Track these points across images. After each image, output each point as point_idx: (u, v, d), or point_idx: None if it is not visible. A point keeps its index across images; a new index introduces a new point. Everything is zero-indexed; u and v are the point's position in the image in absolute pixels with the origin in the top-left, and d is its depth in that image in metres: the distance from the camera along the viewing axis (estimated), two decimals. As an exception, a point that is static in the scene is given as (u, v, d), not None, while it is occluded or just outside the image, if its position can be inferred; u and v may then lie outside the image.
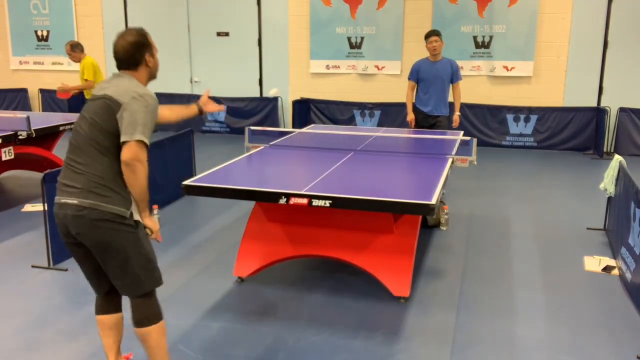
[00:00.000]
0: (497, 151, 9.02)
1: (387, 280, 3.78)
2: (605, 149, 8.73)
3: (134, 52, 2.61)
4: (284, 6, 9.92)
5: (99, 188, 2.47)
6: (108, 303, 2.80)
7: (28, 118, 5.74)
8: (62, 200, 2.51)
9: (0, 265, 4.46)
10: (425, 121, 6.22)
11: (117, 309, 2.83)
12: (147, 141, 2.47)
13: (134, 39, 2.62)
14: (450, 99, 6.24)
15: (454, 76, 6.15)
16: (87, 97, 7.60)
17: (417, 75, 6.20)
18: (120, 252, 2.52)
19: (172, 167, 6.09)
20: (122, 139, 2.44)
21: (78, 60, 7.74)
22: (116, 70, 2.68)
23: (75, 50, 7.70)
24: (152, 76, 2.74)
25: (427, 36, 6.08)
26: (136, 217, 2.57)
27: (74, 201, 2.47)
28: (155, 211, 5.33)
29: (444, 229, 5.28)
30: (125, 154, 2.44)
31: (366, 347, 3.27)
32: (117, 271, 2.56)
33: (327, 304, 3.80)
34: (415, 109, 6.29)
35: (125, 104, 2.46)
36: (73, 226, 2.50)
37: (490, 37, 9.09)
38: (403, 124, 9.47)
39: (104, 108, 2.49)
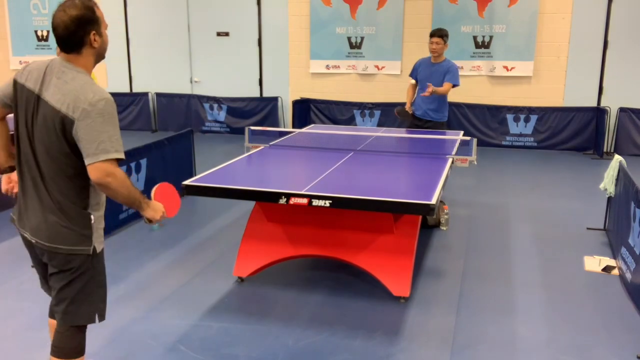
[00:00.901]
0: (497, 151, 9.02)
1: (387, 280, 3.78)
2: (605, 149, 8.73)
3: (75, 30, 2.18)
4: (284, 6, 9.92)
5: (61, 227, 2.27)
6: None
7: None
8: (22, 234, 2.37)
9: (0, 265, 4.46)
10: (415, 124, 5.99)
11: None
12: (113, 156, 2.17)
13: (77, 13, 2.18)
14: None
15: (445, 77, 5.81)
16: None
17: (415, 74, 6.09)
18: (75, 280, 2.35)
19: (172, 167, 6.09)
20: (87, 161, 2.16)
21: None
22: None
23: None
24: (100, 57, 2.34)
25: (430, 35, 5.90)
26: (99, 247, 2.40)
27: (32, 241, 2.33)
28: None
29: (444, 229, 5.27)
30: (93, 174, 2.16)
31: (366, 347, 3.27)
32: (61, 294, 2.38)
33: (327, 304, 3.80)
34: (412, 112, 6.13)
35: (78, 121, 2.14)
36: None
37: (490, 37, 9.08)
38: (403, 124, 9.48)
39: (53, 123, 2.18)
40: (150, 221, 2.43)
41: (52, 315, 2.69)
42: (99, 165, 2.15)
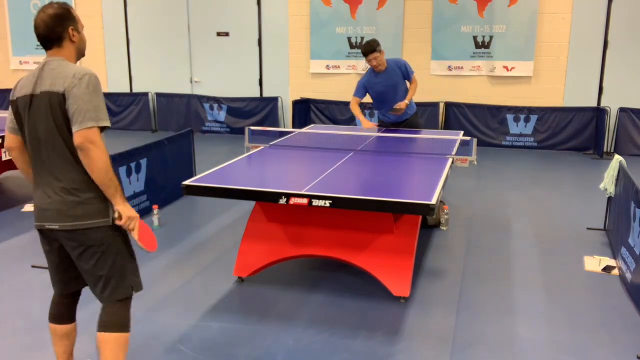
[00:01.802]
0: (497, 151, 9.02)
1: (387, 280, 3.78)
2: (605, 149, 8.73)
3: (54, 26, 2.42)
4: (284, 6, 9.92)
5: (78, 205, 2.41)
6: (65, 310, 2.74)
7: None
8: (47, 227, 2.47)
9: (0, 265, 4.46)
10: (395, 126, 5.88)
11: (73, 318, 2.78)
12: (98, 124, 2.34)
13: (55, 11, 2.43)
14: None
15: (408, 74, 5.64)
16: None
17: (364, 92, 5.74)
18: (103, 254, 2.49)
19: (172, 167, 6.09)
20: (73, 129, 2.33)
21: None
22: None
23: None
24: (80, 53, 2.55)
25: (366, 54, 5.51)
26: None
27: (55, 226, 2.44)
28: (155, 211, 5.33)
29: (444, 229, 5.28)
30: (76, 139, 2.32)
31: (366, 347, 3.27)
32: (95, 273, 2.51)
33: (327, 304, 3.80)
34: (380, 121, 6.00)
35: (69, 96, 2.33)
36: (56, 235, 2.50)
37: (490, 37, 9.09)
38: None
39: (54, 106, 2.36)
40: (119, 218, 2.49)
41: (55, 320, 2.74)
42: (83, 131, 2.32)
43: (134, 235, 2.55)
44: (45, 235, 2.55)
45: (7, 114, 2.53)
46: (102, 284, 2.52)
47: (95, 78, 2.39)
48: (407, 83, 5.80)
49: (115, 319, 2.56)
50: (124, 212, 2.47)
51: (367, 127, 5.72)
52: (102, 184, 2.41)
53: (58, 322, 2.74)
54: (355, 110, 5.78)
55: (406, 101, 5.64)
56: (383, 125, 5.98)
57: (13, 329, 3.48)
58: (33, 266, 4.40)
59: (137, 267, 2.67)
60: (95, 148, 2.33)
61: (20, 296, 3.92)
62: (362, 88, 5.74)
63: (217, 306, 3.76)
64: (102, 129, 2.38)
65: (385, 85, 5.66)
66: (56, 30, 2.43)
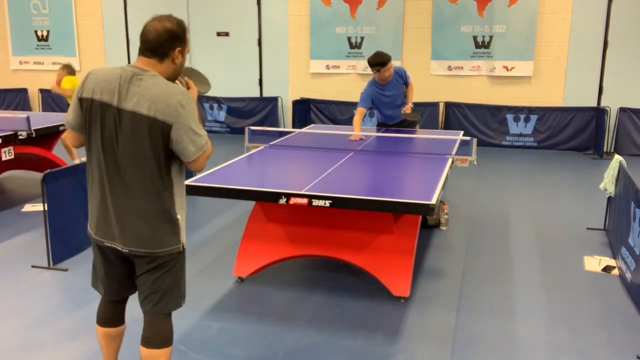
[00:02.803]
0: (497, 151, 9.02)
1: (387, 280, 3.78)
2: (605, 149, 8.73)
3: (165, 41, 2.31)
4: (284, 6, 9.92)
5: (152, 231, 2.35)
6: (115, 313, 2.70)
7: (28, 118, 5.74)
8: (108, 244, 2.43)
9: (0, 265, 4.46)
10: (395, 126, 5.91)
11: (122, 319, 2.75)
12: (206, 146, 2.37)
13: (172, 27, 2.33)
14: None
15: (407, 80, 5.72)
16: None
17: (369, 103, 5.66)
18: (168, 272, 2.46)
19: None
20: (189, 159, 2.31)
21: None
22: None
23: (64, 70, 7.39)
24: (175, 76, 2.45)
25: (375, 65, 5.42)
26: (185, 243, 2.50)
27: (124, 251, 2.39)
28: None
29: (444, 229, 5.28)
30: (196, 168, 2.38)
31: (366, 347, 3.27)
32: (154, 287, 2.46)
33: (327, 304, 3.80)
34: (379, 123, 6.04)
35: (175, 124, 2.25)
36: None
37: (490, 37, 9.09)
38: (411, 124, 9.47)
39: (147, 130, 2.24)
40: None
41: (104, 323, 2.68)
42: (201, 160, 2.35)
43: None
44: (105, 249, 2.47)
45: (72, 107, 2.40)
46: (159, 297, 2.48)
47: (192, 98, 2.37)
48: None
49: (162, 334, 2.53)
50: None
51: (353, 137, 5.41)
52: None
53: (109, 325, 2.69)
54: (357, 122, 5.56)
55: (409, 105, 5.72)
56: (383, 126, 6.01)
57: (13, 329, 3.48)
58: (33, 266, 4.40)
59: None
60: (206, 163, 2.41)
61: (20, 296, 3.92)
62: (369, 99, 5.65)
63: (217, 306, 3.76)
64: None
65: (391, 95, 5.68)
66: (165, 46, 2.32)
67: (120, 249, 2.39)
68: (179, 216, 2.43)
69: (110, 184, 2.33)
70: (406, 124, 5.87)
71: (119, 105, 2.26)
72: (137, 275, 2.49)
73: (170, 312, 2.55)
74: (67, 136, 2.55)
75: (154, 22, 2.33)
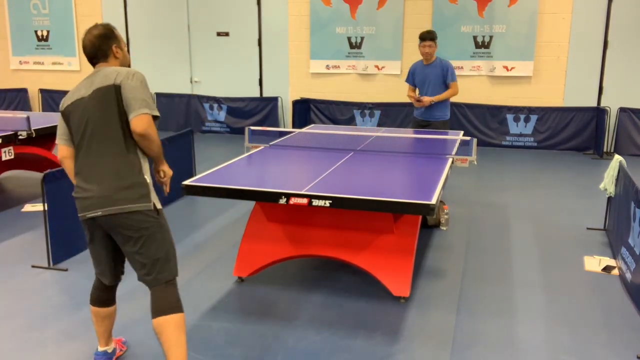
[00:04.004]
0: (497, 151, 9.02)
1: (387, 280, 3.78)
2: (605, 149, 8.73)
3: (100, 44, 2.71)
4: (284, 6, 9.92)
5: (122, 190, 2.60)
6: (107, 295, 2.92)
7: (28, 118, 5.74)
8: (89, 216, 2.64)
9: (0, 265, 4.46)
10: (421, 126, 6.00)
11: (113, 300, 2.96)
12: (153, 113, 2.60)
13: (99, 32, 2.71)
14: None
15: (447, 77, 5.86)
16: None
17: (412, 78, 6.09)
18: (148, 239, 2.65)
19: (172, 167, 6.05)
20: (131, 115, 2.56)
21: None
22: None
23: None
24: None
25: (421, 38, 5.84)
26: (158, 205, 2.71)
27: (98, 213, 2.60)
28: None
29: (444, 229, 5.28)
30: (138, 126, 2.55)
31: (366, 347, 3.27)
32: (141, 257, 2.66)
33: (327, 304, 3.80)
34: (413, 118, 6.18)
35: (123, 86, 2.58)
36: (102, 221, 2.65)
37: (490, 37, 9.09)
38: (403, 123, 9.49)
39: (105, 97, 2.59)
40: (164, 176, 2.92)
41: (97, 303, 2.90)
42: (142, 116, 2.56)
43: (167, 189, 2.98)
44: (89, 225, 2.70)
45: (58, 125, 2.77)
46: (149, 267, 2.66)
47: (144, 76, 2.68)
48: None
49: (169, 301, 2.66)
50: (168, 170, 2.93)
51: (417, 104, 5.93)
52: (157, 156, 2.77)
53: (101, 305, 2.91)
54: (409, 95, 6.12)
55: (432, 98, 5.83)
56: (414, 122, 6.12)
57: (13, 329, 3.48)
58: (33, 266, 4.40)
59: (175, 251, 2.81)
60: (153, 131, 2.61)
61: (20, 296, 3.92)
62: (410, 74, 6.12)
63: (217, 306, 3.76)
64: (154, 118, 2.65)
65: (425, 77, 5.95)
66: (102, 48, 2.72)
67: (96, 214, 2.60)
68: (146, 178, 2.67)
69: (86, 158, 2.64)
70: (433, 127, 5.92)
71: (85, 94, 2.65)
72: (124, 246, 2.67)
73: (167, 280, 2.70)
74: (61, 154, 2.74)
75: (86, 35, 2.73)
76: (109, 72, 2.64)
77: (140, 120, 2.56)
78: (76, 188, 2.68)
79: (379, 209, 3.30)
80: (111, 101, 2.59)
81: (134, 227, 2.61)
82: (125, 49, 2.82)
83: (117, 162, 2.60)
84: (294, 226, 3.97)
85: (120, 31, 10.65)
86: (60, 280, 4.18)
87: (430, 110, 5.93)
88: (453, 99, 5.90)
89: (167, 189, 2.98)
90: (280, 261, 4.05)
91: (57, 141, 2.76)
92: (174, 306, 2.67)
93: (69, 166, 2.75)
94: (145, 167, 2.71)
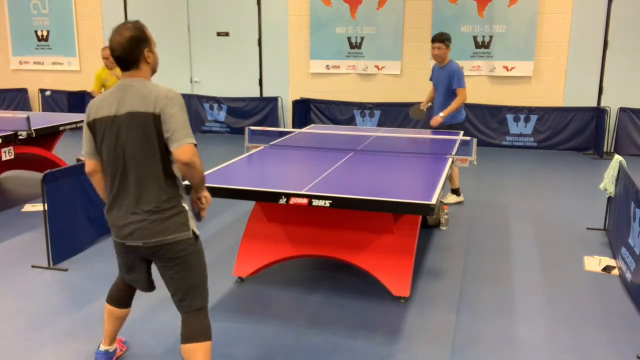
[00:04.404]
0: (497, 151, 9.02)
1: (387, 280, 3.78)
2: (605, 149, 8.73)
3: (131, 49, 2.47)
4: (284, 6, 9.92)
5: (163, 220, 2.52)
6: (125, 296, 2.92)
7: (28, 118, 5.74)
8: (128, 244, 2.58)
9: (0, 265, 4.46)
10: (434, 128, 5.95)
11: (130, 303, 2.96)
12: (194, 141, 2.48)
13: (130, 34, 2.47)
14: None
15: (452, 82, 5.75)
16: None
17: (432, 77, 6.08)
18: (186, 265, 2.60)
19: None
20: (174, 145, 2.43)
21: (112, 67, 7.08)
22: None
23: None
24: (153, 71, 2.65)
25: (431, 40, 5.83)
26: (197, 231, 2.65)
27: (139, 244, 2.54)
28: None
29: (444, 229, 5.27)
30: (183, 155, 2.43)
31: (366, 347, 3.27)
32: (176, 283, 2.63)
33: (327, 304, 3.80)
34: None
35: (163, 114, 2.42)
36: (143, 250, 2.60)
37: (490, 37, 9.08)
38: (403, 124, 9.49)
39: (143, 124, 2.44)
40: (205, 202, 2.75)
41: (114, 303, 2.91)
42: (187, 147, 2.43)
43: (204, 214, 2.81)
44: (126, 250, 2.64)
45: (84, 137, 2.61)
46: (184, 293, 2.62)
47: (181, 97, 2.51)
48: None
49: (200, 329, 2.64)
50: (209, 197, 2.75)
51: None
52: (200, 184, 2.62)
53: (117, 306, 2.91)
54: (428, 95, 6.18)
55: (441, 115, 5.74)
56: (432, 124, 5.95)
57: (13, 329, 3.48)
58: (33, 266, 4.40)
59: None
60: (198, 160, 2.49)
61: (20, 296, 3.92)
62: (432, 72, 6.09)
63: (217, 306, 3.76)
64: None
65: (437, 79, 5.94)
66: (133, 54, 2.48)
67: (134, 244, 2.56)
68: (184, 206, 2.60)
69: (123, 185, 2.53)
70: (445, 128, 5.86)
71: (115, 114, 2.47)
72: (163, 272, 2.64)
73: (202, 307, 2.67)
74: (89, 168, 2.68)
75: (115, 36, 2.49)
76: (146, 94, 2.45)
77: (185, 151, 2.43)
78: (111, 213, 2.59)
79: (379, 209, 3.30)
80: (151, 132, 2.44)
81: (174, 255, 2.57)
82: (156, 49, 2.61)
83: (156, 192, 2.50)
84: (294, 226, 3.97)
85: (120, 31, 10.75)
86: (60, 280, 4.18)
87: (440, 107, 5.87)
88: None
89: (204, 214, 2.82)
90: (280, 261, 4.05)
91: (84, 156, 2.63)
92: (204, 334, 2.64)
93: (98, 181, 2.65)
94: (183, 194, 2.64)
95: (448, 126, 5.88)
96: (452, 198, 6.04)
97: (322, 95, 9.96)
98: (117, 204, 2.56)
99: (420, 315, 3.66)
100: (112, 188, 2.56)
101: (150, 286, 2.84)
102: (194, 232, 2.63)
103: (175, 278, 2.61)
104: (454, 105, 5.76)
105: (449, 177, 5.87)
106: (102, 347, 3.02)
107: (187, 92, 10.61)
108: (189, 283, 2.62)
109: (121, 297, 2.91)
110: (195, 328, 2.64)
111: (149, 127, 2.43)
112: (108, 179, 2.57)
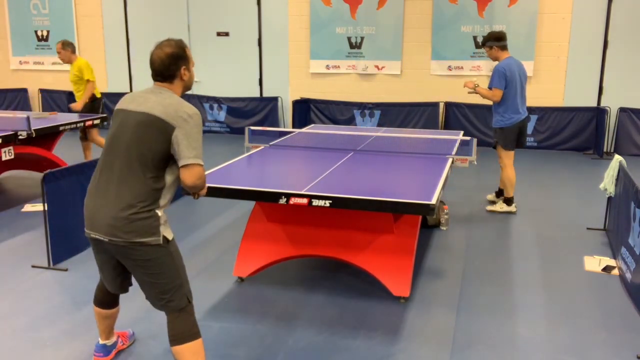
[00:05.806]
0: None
1: (387, 280, 3.78)
2: (605, 149, 8.73)
3: (169, 65, 2.59)
4: (284, 6, 9.92)
5: (134, 221, 2.49)
6: (109, 297, 2.93)
7: (28, 118, 5.74)
8: (92, 236, 2.59)
9: (0, 265, 4.46)
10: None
11: (116, 303, 2.99)
12: (202, 163, 2.53)
13: (172, 50, 2.60)
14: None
15: (491, 84, 5.67)
16: (97, 95, 7.41)
17: None
18: (157, 268, 2.58)
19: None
20: (184, 162, 2.46)
21: (68, 61, 7.21)
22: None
23: (66, 48, 7.16)
24: (186, 89, 2.72)
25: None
26: (169, 236, 2.61)
27: (105, 240, 2.54)
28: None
29: (444, 229, 5.28)
30: (189, 179, 2.48)
31: (366, 347, 3.27)
32: (149, 285, 2.63)
33: (327, 304, 3.80)
34: None
35: (179, 128, 2.46)
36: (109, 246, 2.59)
37: (490, 37, 9.07)
38: (403, 124, 9.49)
39: (153, 128, 2.47)
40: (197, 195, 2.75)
41: (100, 305, 2.94)
42: (194, 168, 2.48)
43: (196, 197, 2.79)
44: (94, 243, 2.65)
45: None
46: (159, 295, 2.62)
47: (200, 119, 2.56)
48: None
49: (183, 330, 2.63)
50: (204, 192, 2.74)
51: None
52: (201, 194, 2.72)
53: (103, 307, 2.95)
54: None
55: (475, 82, 5.70)
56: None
57: (13, 329, 3.48)
58: (33, 266, 4.40)
59: (186, 275, 2.72)
60: (203, 183, 2.55)
61: (20, 296, 3.92)
62: None
63: (217, 306, 3.76)
64: None
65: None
66: (170, 69, 2.60)
67: (101, 238, 2.55)
68: (158, 213, 2.56)
69: (107, 175, 2.55)
70: (494, 132, 5.81)
71: (135, 109, 2.54)
72: (134, 274, 2.65)
73: (181, 308, 2.64)
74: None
75: (157, 50, 2.61)
76: (169, 104, 2.51)
77: (191, 174, 2.47)
78: (89, 201, 2.60)
79: (379, 209, 3.30)
80: (157, 139, 2.47)
81: (142, 257, 2.54)
82: (193, 68, 2.72)
83: (136, 193, 2.49)
84: (294, 226, 3.97)
85: (120, 31, 10.75)
86: (60, 280, 4.18)
87: (494, 114, 5.78)
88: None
89: (196, 197, 2.84)
90: (280, 261, 4.05)
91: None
92: (189, 334, 2.63)
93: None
94: (166, 201, 2.62)
95: (497, 130, 5.76)
96: (501, 206, 5.82)
97: (322, 95, 9.96)
98: (97, 190, 2.57)
99: (420, 315, 3.66)
100: (99, 176, 2.58)
101: (120, 288, 2.83)
102: (164, 237, 2.57)
103: (146, 280, 2.60)
104: (484, 91, 5.65)
105: (501, 183, 5.84)
106: (100, 342, 3.07)
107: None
108: (161, 286, 2.59)
109: (104, 298, 2.92)
110: (180, 329, 2.63)
111: (157, 133, 2.47)
112: (99, 166, 2.61)
